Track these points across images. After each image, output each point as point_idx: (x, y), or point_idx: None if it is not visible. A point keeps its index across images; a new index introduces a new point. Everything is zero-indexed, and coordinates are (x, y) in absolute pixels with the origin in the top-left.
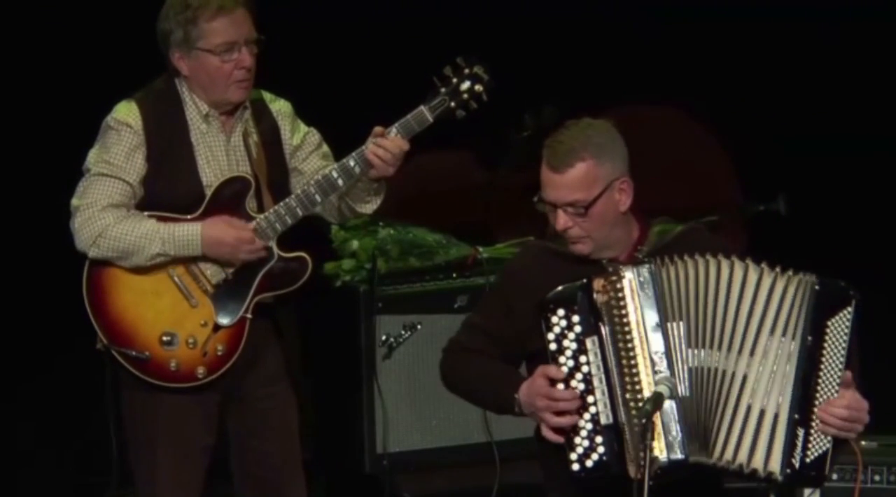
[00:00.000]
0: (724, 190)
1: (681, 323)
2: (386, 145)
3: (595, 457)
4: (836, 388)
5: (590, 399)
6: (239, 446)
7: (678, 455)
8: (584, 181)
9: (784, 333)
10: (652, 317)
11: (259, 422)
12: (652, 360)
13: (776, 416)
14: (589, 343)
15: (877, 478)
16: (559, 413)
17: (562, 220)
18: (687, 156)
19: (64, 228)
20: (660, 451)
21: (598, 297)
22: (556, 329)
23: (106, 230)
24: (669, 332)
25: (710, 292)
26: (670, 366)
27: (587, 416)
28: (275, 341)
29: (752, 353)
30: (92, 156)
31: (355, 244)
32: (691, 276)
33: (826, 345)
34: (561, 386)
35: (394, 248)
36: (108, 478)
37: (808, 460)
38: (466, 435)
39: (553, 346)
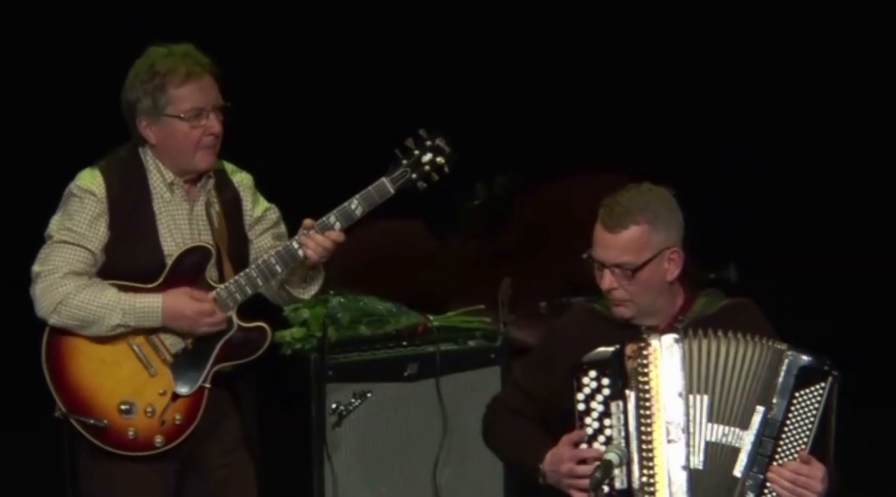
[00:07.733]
0: None
1: (705, 396)
2: (317, 241)
3: None
4: (794, 458)
5: None
6: None
7: None
8: (635, 245)
9: (761, 402)
10: (674, 386)
11: (217, 491)
12: (667, 429)
13: (741, 483)
14: (614, 407)
15: None
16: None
17: (607, 279)
18: None
19: (24, 295)
20: None
21: (629, 363)
22: (587, 390)
23: (67, 298)
24: (691, 403)
25: (735, 371)
26: (687, 436)
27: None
28: (233, 410)
29: (748, 426)
30: (54, 223)
31: (306, 313)
32: (722, 352)
33: (791, 413)
34: (584, 446)
35: (344, 316)
36: None
37: None
38: None
39: (581, 407)
